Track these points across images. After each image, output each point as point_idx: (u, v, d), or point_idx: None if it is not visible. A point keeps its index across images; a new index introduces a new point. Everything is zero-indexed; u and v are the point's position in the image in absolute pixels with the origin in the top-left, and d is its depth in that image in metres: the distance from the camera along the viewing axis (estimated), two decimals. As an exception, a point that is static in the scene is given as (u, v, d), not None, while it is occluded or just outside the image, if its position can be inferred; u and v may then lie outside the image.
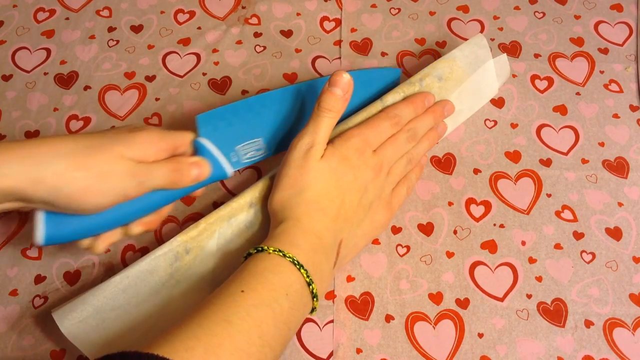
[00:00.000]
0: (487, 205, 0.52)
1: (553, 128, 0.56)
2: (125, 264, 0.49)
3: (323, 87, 0.46)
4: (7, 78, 0.61)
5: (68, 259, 0.50)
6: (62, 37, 0.64)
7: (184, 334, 0.35)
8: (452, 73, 0.53)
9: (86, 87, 0.60)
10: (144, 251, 0.50)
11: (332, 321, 0.47)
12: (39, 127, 0.57)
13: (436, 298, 0.47)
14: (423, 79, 0.52)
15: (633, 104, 0.57)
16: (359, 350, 0.45)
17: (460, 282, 0.48)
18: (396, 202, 0.49)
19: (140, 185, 0.41)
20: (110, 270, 0.49)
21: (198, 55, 0.62)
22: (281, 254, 0.40)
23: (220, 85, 0.60)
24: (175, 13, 0.65)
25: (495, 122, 0.56)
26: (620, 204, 0.51)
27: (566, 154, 0.54)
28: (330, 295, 0.48)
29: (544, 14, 0.64)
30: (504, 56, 0.56)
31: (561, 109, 0.57)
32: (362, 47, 0.62)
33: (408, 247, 0.50)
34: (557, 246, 0.49)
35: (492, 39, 0.62)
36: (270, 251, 0.40)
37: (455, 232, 0.50)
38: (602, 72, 0.59)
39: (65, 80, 0.60)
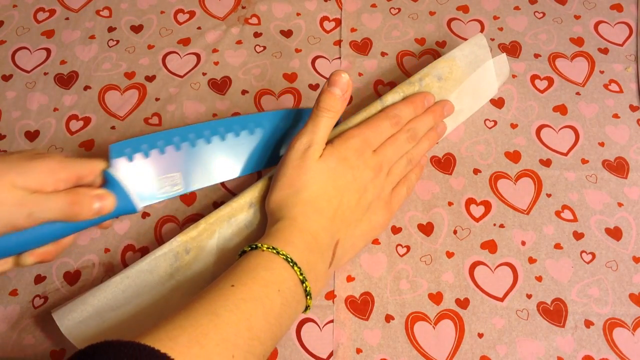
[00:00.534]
0: (487, 205, 0.52)
1: (553, 128, 0.56)
2: (125, 264, 0.49)
3: (322, 87, 0.46)
4: (7, 78, 0.61)
5: (68, 259, 0.50)
6: (62, 37, 0.64)
7: (170, 325, 0.35)
8: (452, 73, 0.53)
9: (86, 87, 0.60)
10: (144, 251, 0.50)
11: (332, 321, 0.47)
12: (38, 127, 0.57)
13: (436, 298, 0.47)
14: (422, 78, 0.52)
15: (633, 104, 0.57)
16: (359, 350, 0.45)
17: (460, 282, 0.48)
18: (396, 202, 0.49)
19: (30, 216, 0.38)
20: (110, 270, 0.49)
21: (198, 55, 0.62)
22: (275, 251, 0.40)
23: (220, 85, 0.60)
24: (175, 13, 0.65)
25: (495, 122, 0.56)
26: (620, 204, 0.51)
27: (566, 154, 0.54)
28: (330, 295, 0.48)
29: (544, 14, 0.64)
30: (504, 56, 0.56)
31: (561, 109, 0.57)
32: (362, 47, 0.62)
33: (408, 247, 0.50)
34: (557, 246, 0.49)
35: (492, 39, 0.62)
36: (264, 248, 0.40)
37: (455, 232, 0.50)
38: (602, 72, 0.59)
39: (65, 80, 0.60)
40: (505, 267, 0.49)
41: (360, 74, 0.60)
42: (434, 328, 0.46)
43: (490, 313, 0.46)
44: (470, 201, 0.52)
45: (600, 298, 0.47)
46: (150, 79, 0.60)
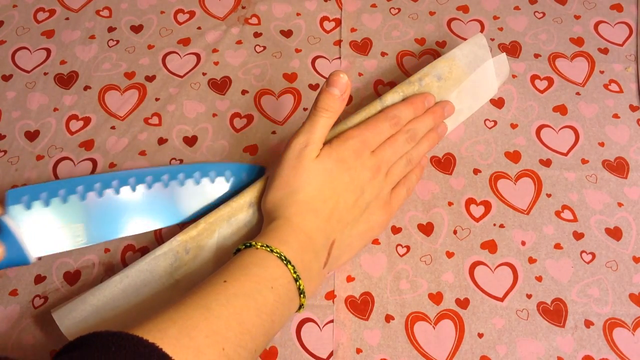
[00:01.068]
0: (487, 205, 0.52)
1: (553, 128, 0.56)
2: (125, 263, 0.49)
3: (321, 87, 0.46)
4: (7, 78, 0.61)
5: (68, 259, 0.50)
6: (62, 37, 0.64)
7: (160, 318, 0.35)
8: (452, 72, 0.53)
9: (86, 87, 0.60)
10: (144, 251, 0.50)
11: (332, 321, 0.47)
12: (38, 127, 0.57)
13: (436, 298, 0.47)
14: (422, 78, 0.52)
15: (633, 104, 0.57)
16: (359, 350, 0.45)
17: (460, 282, 0.48)
18: (396, 203, 0.49)
19: None
20: (110, 270, 0.49)
21: (198, 55, 0.62)
22: (268, 249, 0.40)
23: (220, 85, 0.60)
24: (175, 13, 0.65)
25: (495, 122, 0.56)
26: (620, 204, 0.51)
27: (566, 154, 0.54)
28: (330, 295, 0.48)
29: (544, 14, 0.64)
30: (504, 55, 0.56)
31: (561, 109, 0.57)
32: (362, 47, 0.62)
33: (408, 247, 0.50)
34: (557, 246, 0.49)
35: (492, 39, 0.62)
36: (258, 246, 0.41)
37: (455, 232, 0.50)
38: (602, 72, 0.59)
39: (65, 80, 0.60)
40: (505, 267, 0.49)
41: (360, 74, 0.60)
42: (434, 328, 0.46)
43: (490, 313, 0.46)
44: (470, 201, 0.52)
45: (600, 298, 0.47)
46: (150, 79, 0.60)
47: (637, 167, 0.53)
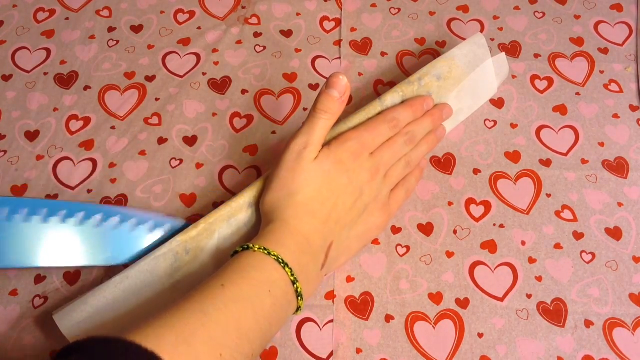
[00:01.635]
0: (487, 205, 0.52)
1: (553, 129, 0.56)
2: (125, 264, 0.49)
3: (321, 88, 0.46)
4: (7, 78, 0.61)
5: (68, 259, 0.50)
6: (62, 37, 0.64)
7: (157, 323, 0.35)
8: (451, 72, 0.53)
9: (86, 87, 0.60)
10: (144, 251, 0.50)
11: (332, 321, 0.47)
12: (38, 127, 0.57)
13: (436, 298, 0.47)
14: (422, 78, 0.52)
15: (633, 104, 0.57)
16: (359, 350, 0.45)
17: (460, 282, 0.48)
18: (394, 205, 0.49)
19: None
20: (110, 270, 0.49)
21: (198, 55, 0.62)
22: (266, 252, 0.40)
23: (220, 85, 0.60)
24: (175, 13, 0.65)
25: (495, 123, 0.56)
26: (620, 204, 0.51)
27: (566, 154, 0.54)
28: (330, 295, 0.48)
29: (544, 14, 0.64)
30: (503, 55, 0.56)
31: (561, 109, 0.57)
32: (362, 46, 0.62)
33: (408, 247, 0.50)
34: (557, 246, 0.49)
35: (492, 39, 0.62)
36: (256, 249, 0.40)
37: (455, 232, 0.50)
38: (602, 72, 0.59)
39: (65, 80, 0.60)
40: (505, 267, 0.49)
41: (360, 74, 0.60)
42: (434, 328, 0.46)
43: (490, 313, 0.46)
44: (470, 201, 0.52)
45: (600, 298, 0.47)
46: (150, 79, 0.60)
47: (637, 167, 0.53)
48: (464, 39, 0.61)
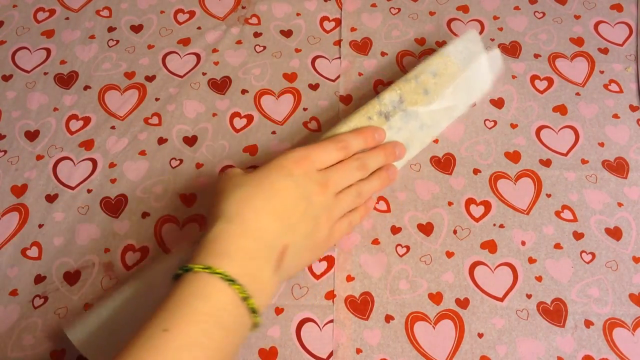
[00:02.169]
0: (487, 205, 0.52)
1: (552, 129, 0.56)
2: (125, 263, 0.49)
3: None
4: (7, 78, 0.61)
5: (68, 259, 0.50)
6: (62, 37, 0.64)
7: None
8: (447, 69, 0.53)
9: (86, 87, 0.60)
10: (144, 251, 0.50)
11: (332, 321, 0.47)
12: (38, 127, 0.57)
13: (436, 298, 0.47)
14: (418, 75, 0.52)
15: (633, 104, 0.57)
16: (359, 351, 0.45)
17: (460, 282, 0.48)
18: (337, 234, 0.47)
19: None
20: (110, 270, 0.49)
21: (198, 55, 0.62)
22: (209, 270, 0.37)
23: (220, 85, 0.60)
24: (175, 13, 0.65)
25: (495, 123, 0.56)
26: (620, 204, 0.51)
27: (566, 154, 0.54)
28: (330, 295, 0.48)
29: (544, 14, 0.64)
30: (497, 51, 0.56)
31: (561, 109, 0.57)
32: (362, 46, 0.62)
33: (408, 247, 0.50)
34: (557, 246, 0.49)
35: (492, 39, 0.62)
36: (198, 269, 0.37)
37: (455, 232, 0.50)
38: (602, 72, 0.59)
39: (65, 80, 0.60)
40: (505, 267, 0.49)
41: (360, 74, 0.60)
42: (434, 328, 0.46)
43: (490, 313, 0.46)
44: (470, 201, 0.52)
45: (600, 298, 0.47)
46: (150, 78, 0.60)
47: (637, 167, 0.53)
48: (464, 39, 0.62)
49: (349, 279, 0.48)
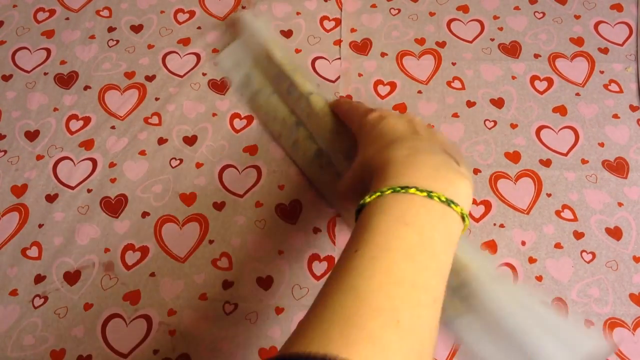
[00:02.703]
0: (487, 205, 0.52)
1: (552, 129, 0.56)
2: (125, 263, 0.49)
3: None
4: (7, 78, 0.61)
5: (68, 259, 0.50)
6: (62, 37, 0.64)
7: (355, 335, 0.29)
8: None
9: (86, 87, 0.60)
10: (144, 250, 0.50)
11: (332, 321, 0.46)
12: (38, 127, 0.57)
13: (436, 298, 0.47)
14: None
15: (633, 104, 0.57)
16: (359, 350, 0.45)
17: (460, 282, 0.48)
18: None
19: None
20: (110, 270, 0.49)
21: (198, 55, 0.62)
22: (425, 193, 0.35)
23: (220, 85, 0.60)
24: (175, 13, 0.65)
25: (495, 123, 0.56)
26: (620, 204, 0.51)
27: (566, 154, 0.54)
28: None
29: (544, 14, 0.64)
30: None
31: (561, 110, 0.57)
32: (362, 47, 0.62)
33: (408, 247, 0.50)
34: (557, 246, 0.49)
35: (492, 39, 0.62)
36: (413, 191, 0.35)
37: (455, 232, 0.50)
38: (602, 72, 0.59)
39: (65, 80, 0.60)
40: (505, 267, 0.48)
41: (360, 74, 0.60)
42: (434, 328, 0.46)
43: (491, 313, 0.46)
44: (470, 201, 0.52)
45: (600, 298, 0.47)
46: (150, 78, 0.60)
47: (637, 167, 0.53)
48: (464, 40, 0.62)
49: (349, 278, 0.48)
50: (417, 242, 0.33)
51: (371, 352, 0.29)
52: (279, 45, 0.55)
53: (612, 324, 0.46)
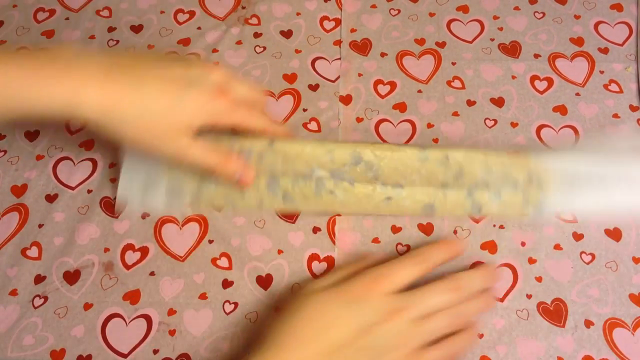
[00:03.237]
0: (487, 205, 0.51)
1: (553, 128, 0.56)
2: (125, 263, 0.49)
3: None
4: (7, 78, 0.61)
5: (68, 259, 0.50)
6: (62, 37, 0.64)
7: None
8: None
9: (86, 87, 0.60)
10: (144, 251, 0.50)
11: (332, 321, 0.46)
12: (38, 127, 0.57)
13: (436, 298, 0.47)
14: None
15: (633, 104, 0.57)
16: (358, 350, 0.45)
17: (460, 282, 0.48)
18: None
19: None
20: (110, 270, 0.49)
21: (198, 56, 0.62)
22: None
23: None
24: (175, 13, 0.65)
25: (495, 122, 0.56)
26: (620, 204, 0.51)
27: (566, 154, 0.54)
28: (330, 295, 0.48)
29: (544, 14, 0.64)
30: None
31: (561, 110, 0.57)
32: (362, 47, 0.62)
33: (408, 247, 0.50)
34: (557, 247, 0.49)
35: (492, 39, 0.62)
36: None
37: (455, 232, 0.50)
38: (602, 72, 0.59)
39: (65, 80, 0.60)
40: (505, 268, 0.48)
41: (360, 74, 0.60)
42: (434, 328, 0.46)
43: (490, 313, 0.46)
44: (470, 201, 0.52)
45: (600, 298, 0.47)
46: (150, 79, 0.60)
47: (637, 167, 0.53)
48: (464, 40, 0.62)
49: (349, 279, 0.48)
50: None
51: None
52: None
53: (612, 324, 0.46)
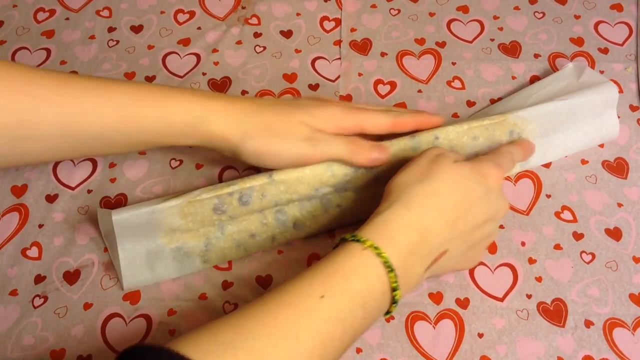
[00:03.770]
0: (487, 205, 0.51)
1: (553, 128, 0.56)
2: (125, 264, 0.49)
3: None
4: (7, 78, 0.61)
5: (68, 259, 0.50)
6: (62, 37, 0.64)
7: (244, 343, 0.32)
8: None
9: (86, 87, 0.60)
10: (144, 251, 0.50)
11: (332, 321, 0.46)
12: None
13: (436, 298, 0.47)
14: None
15: (633, 104, 0.57)
16: (358, 350, 0.45)
17: (460, 282, 0.48)
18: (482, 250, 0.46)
19: (316, 147, 0.45)
20: (110, 270, 0.49)
21: (198, 56, 0.62)
22: (376, 251, 0.37)
23: (220, 85, 0.60)
24: (175, 13, 0.65)
25: (495, 122, 0.56)
26: (619, 205, 0.51)
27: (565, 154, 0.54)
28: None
29: (544, 14, 0.64)
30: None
31: (561, 109, 0.57)
32: (362, 47, 0.62)
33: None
34: (557, 246, 0.49)
35: (492, 39, 0.62)
36: (367, 245, 0.37)
37: (455, 232, 0.50)
38: (602, 72, 0.59)
39: (65, 80, 0.60)
40: (505, 268, 0.49)
41: (360, 74, 0.60)
42: (434, 328, 0.46)
43: (490, 313, 0.46)
44: (470, 201, 0.52)
45: (600, 298, 0.47)
46: (150, 79, 0.60)
47: (637, 167, 0.53)
48: (464, 40, 0.62)
49: (349, 279, 0.48)
50: (358, 324, 0.37)
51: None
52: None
53: (612, 324, 0.46)
